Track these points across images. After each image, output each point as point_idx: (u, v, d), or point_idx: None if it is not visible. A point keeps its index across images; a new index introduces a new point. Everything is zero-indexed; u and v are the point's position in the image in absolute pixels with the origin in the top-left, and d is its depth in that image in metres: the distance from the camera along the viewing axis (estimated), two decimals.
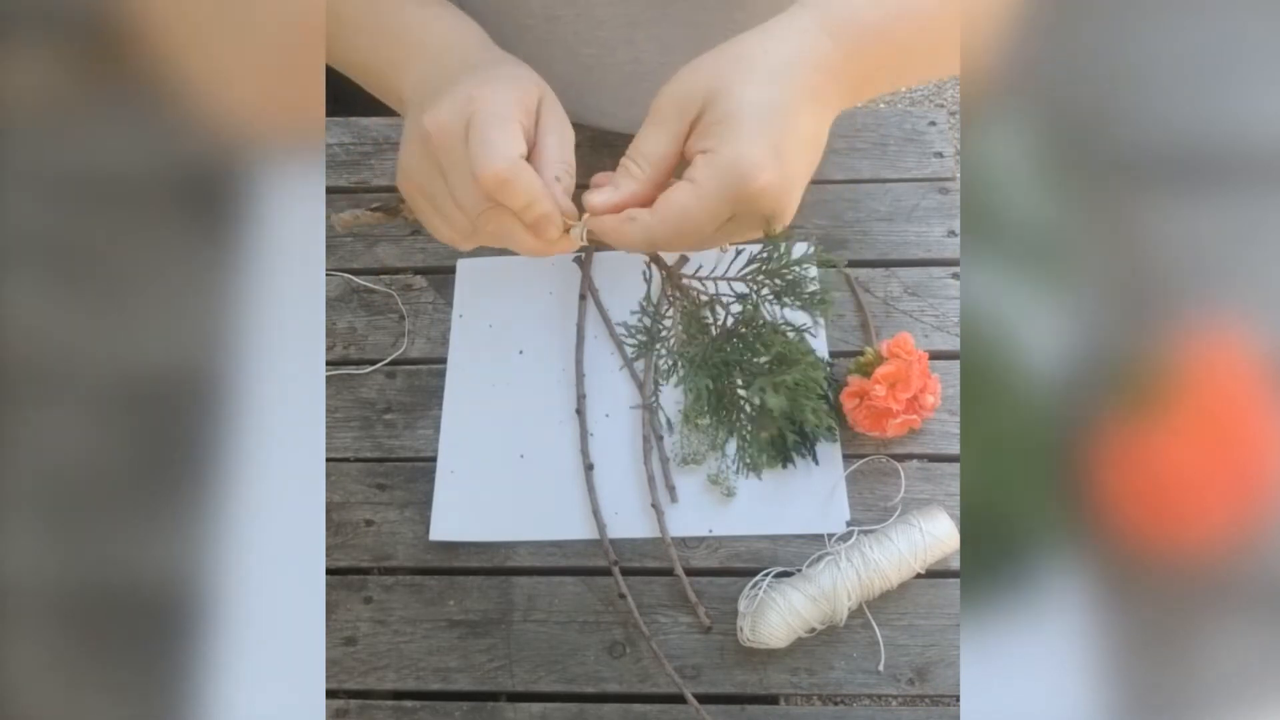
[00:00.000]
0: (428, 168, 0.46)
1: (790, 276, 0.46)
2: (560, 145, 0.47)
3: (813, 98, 0.47)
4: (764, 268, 0.47)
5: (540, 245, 0.46)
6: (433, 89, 0.48)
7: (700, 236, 0.45)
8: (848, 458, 0.62)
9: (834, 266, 0.59)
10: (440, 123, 0.45)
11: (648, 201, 0.45)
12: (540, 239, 0.46)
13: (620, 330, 0.47)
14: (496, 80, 0.46)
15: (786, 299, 0.47)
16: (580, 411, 0.64)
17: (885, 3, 0.49)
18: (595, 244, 0.47)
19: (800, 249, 0.70)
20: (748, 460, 0.49)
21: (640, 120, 0.47)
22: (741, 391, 0.48)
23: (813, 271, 0.48)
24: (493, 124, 0.44)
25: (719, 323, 0.48)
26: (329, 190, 0.76)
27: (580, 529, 0.60)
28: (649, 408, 0.64)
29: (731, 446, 0.62)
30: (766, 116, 0.44)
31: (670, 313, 0.48)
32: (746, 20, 0.68)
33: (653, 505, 0.60)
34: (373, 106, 0.92)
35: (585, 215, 0.46)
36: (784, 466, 0.61)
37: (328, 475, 0.64)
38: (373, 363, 0.68)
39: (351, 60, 0.58)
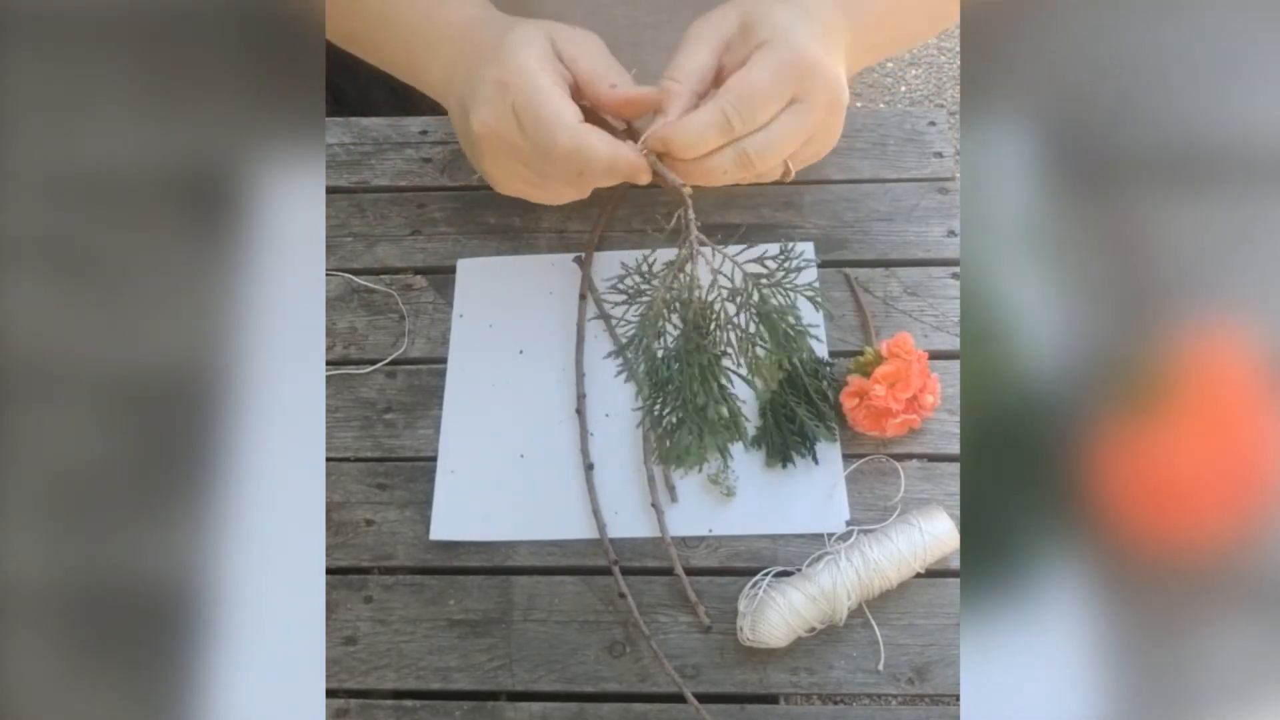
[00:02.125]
0: (507, 164, 0.49)
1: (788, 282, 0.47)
2: (594, 60, 0.48)
3: (836, 38, 0.49)
4: (780, 266, 0.47)
5: (600, 164, 0.48)
6: (460, 90, 0.49)
7: (769, 114, 0.46)
8: (847, 457, 0.62)
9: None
10: (489, 125, 0.47)
11: None
12: (638, 180, 0.48)
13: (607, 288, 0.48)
14: (510, 53, 0.47)
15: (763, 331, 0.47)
16: (580, 411, 0.64)
17: None
18: (661, 181, 0.49)
19: (805, 248, 0.70)
20: (670, 452, 0.49)
21: (644, 124, 0.48)
22: (728, 371, 0.48)
23: (811, 275, 0.48)
24: (537, 102, 0.45)
25: (713, 308, 0.49)
26: (329, 190, 0.76)
27: (580, 529, 0.61)
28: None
29: (732, 447, 0.63)
30: (806, 21, 0.47)
31: (664, 276, 0.49)
32: None
33: (653, 505, 0.60)
34: (373, 106, 0.92)
35: (645, 151, 0.48)
36: (784, 466, 0.61)
37: (328, 475, 0.64)
38: (373, 363, 0.68)
39: (381, 56, 0.59)
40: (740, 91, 0.45)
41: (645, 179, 0.48)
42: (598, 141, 0.45)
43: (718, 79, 0.49)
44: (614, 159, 0.46)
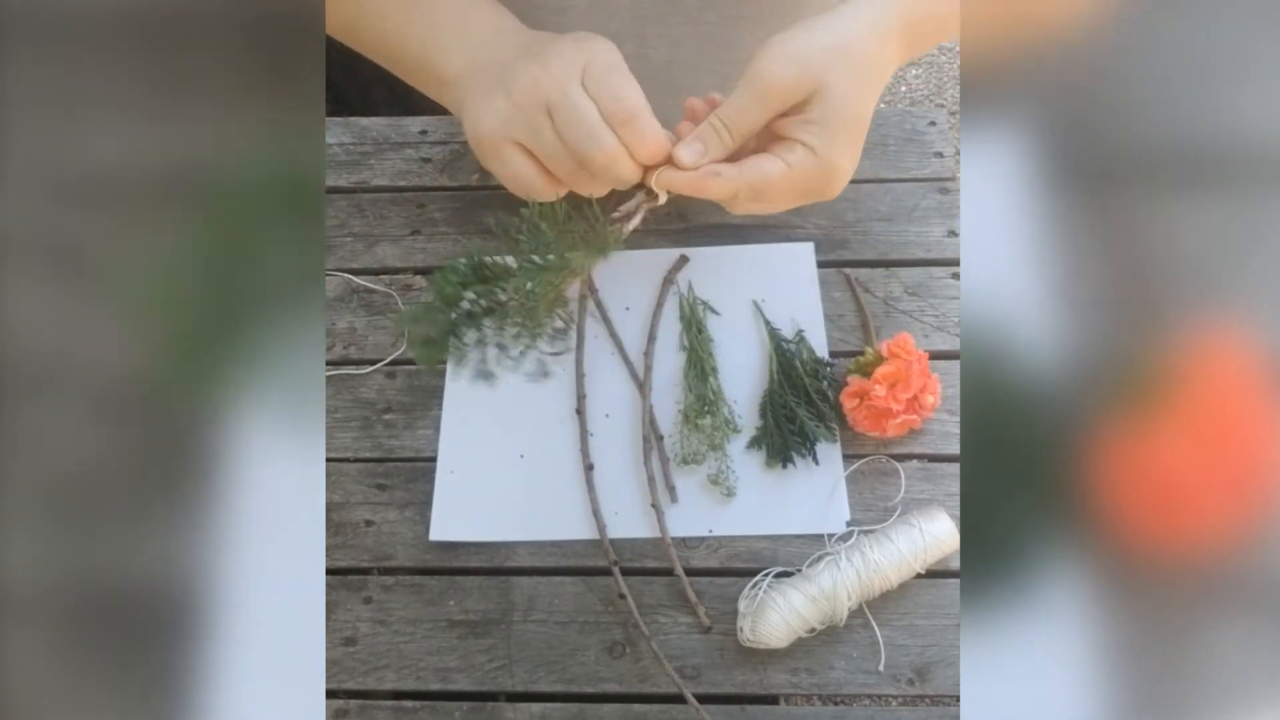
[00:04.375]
0: (530, 112, 0.49)
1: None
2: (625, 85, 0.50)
3: (879, 93, 0.54)
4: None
5: (636, 176, 0.51)
6: (505, 59, 0.51)
7: (771, 206, 0.53)
8: (848, 458, 0.62)
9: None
10: (549, 64, 0.48)
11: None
12: (644, 168, 0.51)
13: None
14: (584, 36, 0.50)
15: None
16: (580, 411, 0.64)
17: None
18: (661, 189, 0.52)
19: (805, 247, 0.70)
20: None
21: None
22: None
23: None
24: (615, 70, 0.48)
25: None
26: (329, 190, 0.76)
27: (580, 529, 0.60)
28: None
29: (732, 446, 0.63)
30: (857, 126, 0.51)
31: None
32: (755, 15, 0.68)
33: (653, 505, 0.60)
34: (373, 106, 0.92)
35: (661, 168, 0.51)
36: (784, 467, 0.61)
37: (328, 475, 0.63)
38: (373, 363, 0.68)
39: (386, 44, 0.59)
40: (758, 185, 0.50)
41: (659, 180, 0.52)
42: (653, 120, 0.49)
43: (770, 128, 0.52)
44: (660, 149, 0.50)
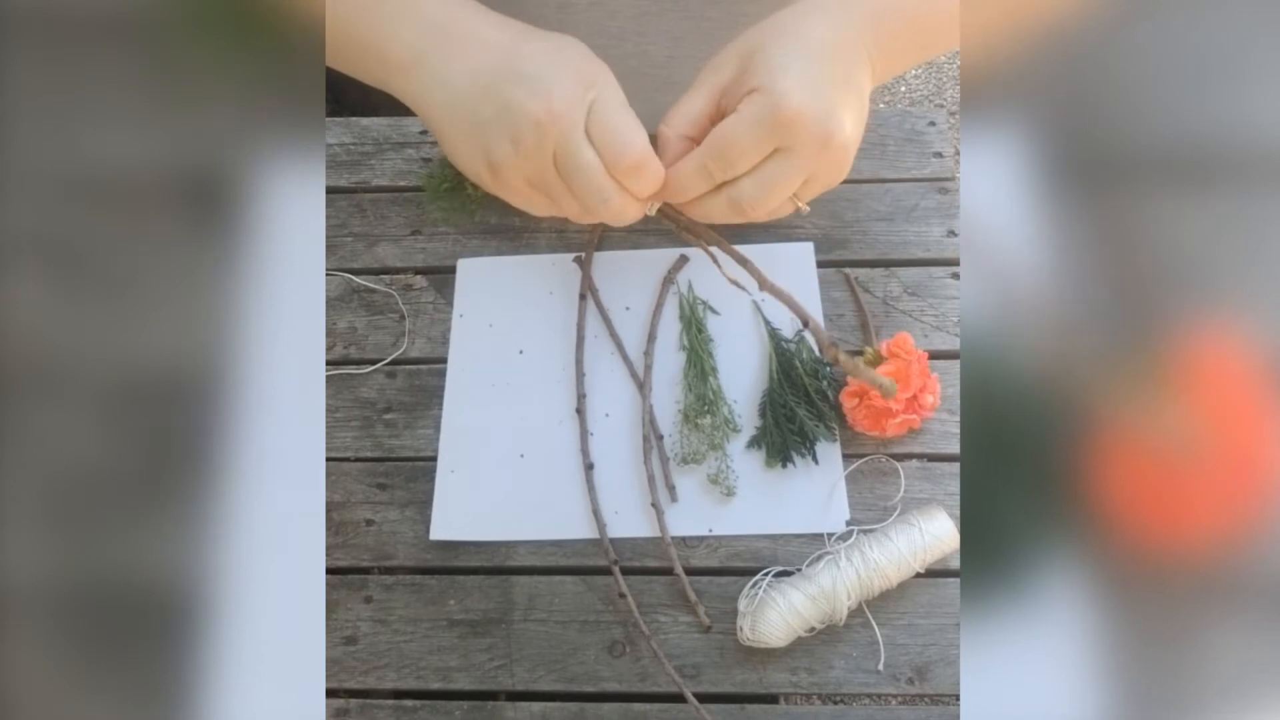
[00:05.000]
0: (538, 162, 0.47)
1: None
2: (610, 117, 0.48)
3: (848, 62, 0.49)
4: None
5: (636, 215, 0.50)
6: (484, 63, 0.48)
7: (763, 183, 0.47)
8: (847, 457, 0.62)
9: None
10: (555, 111, 0.45)
11: None
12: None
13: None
14: (547, 92, 0.46)
15: None
16: (580, 411, 0.64)
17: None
18: (669, 218, 0.52)
19: (805, 247, 0.70)
20: None
21: (646, 116, 0.48)
22: None
23: None
24: (619, 111, 0.46)
25: None
26: (329, 190, 0.76)
27: (580, 528, 0.61)
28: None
29: (732, 445, 0.63)
30: (809, 65, 0.46)
31: None
32: (756, 12, 0.68)
33: (653, 505, 0.60)
34: (373, 106, 0.92)
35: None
36: (784, 466, 0.61)
37: (328, 475, 0.63)
38: (373, 363, 0.68)
39: (362, 61, 0.55)
40: (715, 142, 0.47)
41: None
42: (659, 166, 0.47)
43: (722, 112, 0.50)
44: (656, 185, 0.48)
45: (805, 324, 0.52)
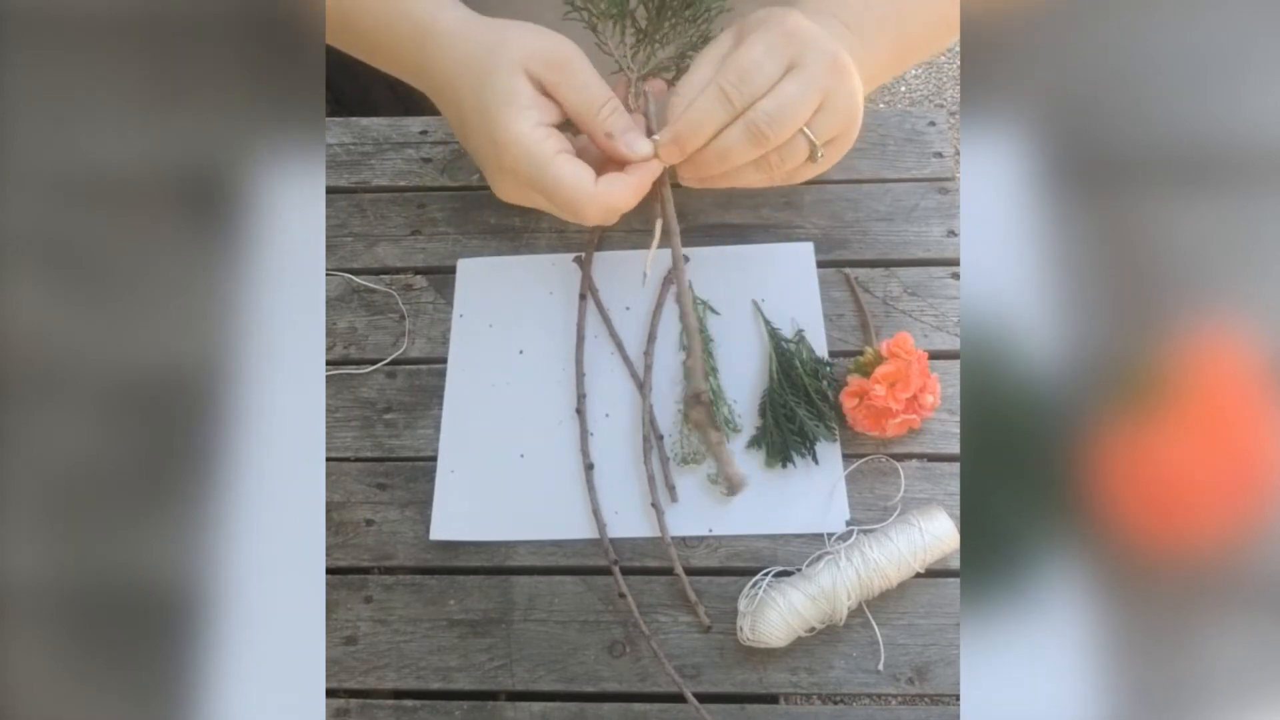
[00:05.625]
0: (519, 183, 0.49)
1: None
2: (580, 90, 0.49)
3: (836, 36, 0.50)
4: None
5: (628, 206, 0.50)
6: (475, 83, 0.49)
7: (766, 81, 0.46)
8: (847, 457, 0.62)
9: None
10: (521, 138, 0.47)
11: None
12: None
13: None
14: (495, 119, 0.47)
15: None
16: (580, 411, 0.64)
17: None
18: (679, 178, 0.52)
19: (805, 246, 0.70)
20: None
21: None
22: None
23: None
24: (547, 177, 0.47)
25: None
26: (329, 190, 0.76)
27: (580, 528, 0.61)
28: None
29: (732, 445, 0.63)
30: (799, 12, 0.48)
31: None
32: (750, 13, 0.68)
33: (653, 505, 0.60)
34: (373, 106, 0.92)
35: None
36: (784, 466, 0.61)
37: (328, 475, 0.64)
38: (373, 363, 0.68)
39: (376, 58, 0.58)
40: (733, 65, 0.46)
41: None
42: (620, 196, 0.48)
43: None
44: (638, 198, 0.49)
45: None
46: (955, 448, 0.62)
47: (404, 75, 0.56)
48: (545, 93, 0.49)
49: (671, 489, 0.61)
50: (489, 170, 0.50)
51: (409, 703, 0.56)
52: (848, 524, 0.59)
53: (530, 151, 0.47)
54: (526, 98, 0.47)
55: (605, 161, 0.50)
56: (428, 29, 0.52)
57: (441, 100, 0.52)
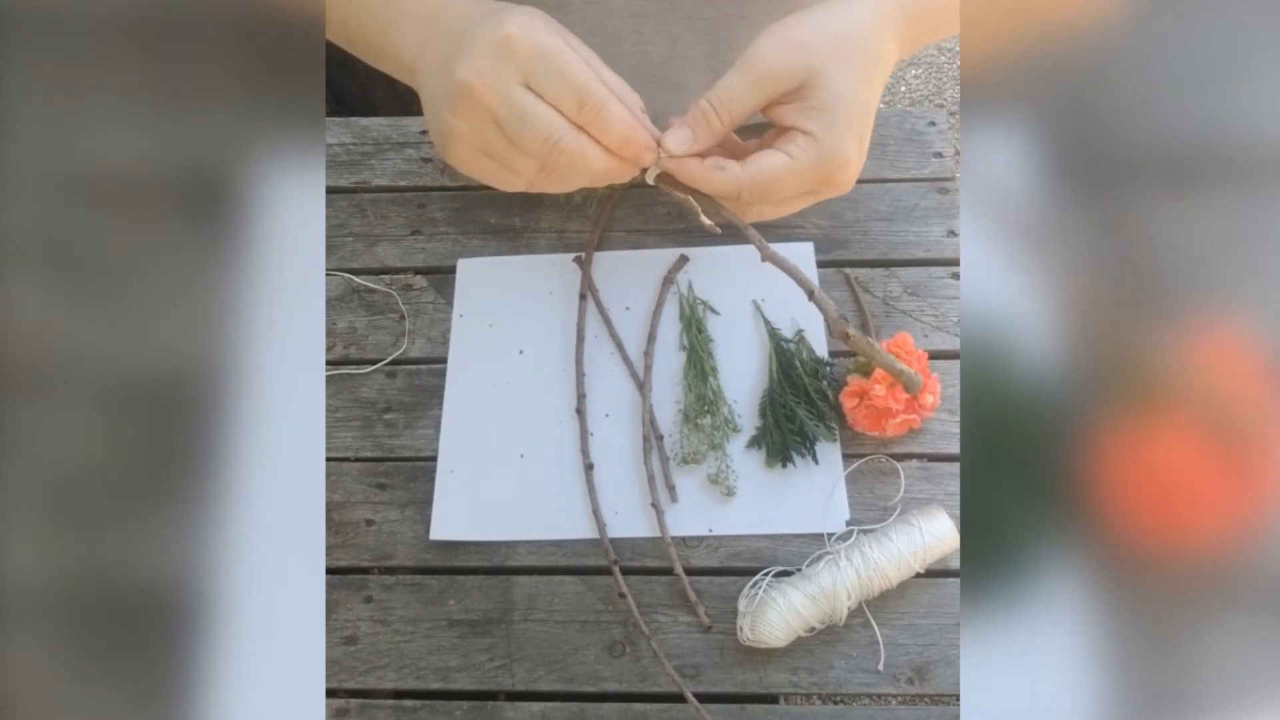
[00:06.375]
0: (478, 125, 0.45)
1: None
2: (599, 67, 0.48)
3: (882, 85, 0.50)
4: None
5: (618, 169, 0.48)
6: (446, 46, 0.47)
7: (778, 205, 0.50)
8: (847, 457, 0.62)
9: None
10: (481, 70, 0.44)
11: (714, 150, 0.49)
12: (627, 163, 0.48)
13: None
14: (515, 14, 0.45)
15: None
16: (580, 411, 0.64)
17: None
18: (665, 185, 0.50)
19: (805, 247, 0.70)
20: None
21: (648, 114, 0.48)
22: None
23: None
24: (560, 61, 0.44)
25: None
26: (329, 190, 0.76)
27: (580, 528, 0.61)
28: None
29: (732, 445, 0.63)
30: (859, 113, 0.48)
31: None
32: (752, 14, 0.68)
33: (653, 504, 0.60)
34: (373, 106, 0.92)
35: (659, 155, 0.48)
36: (784, 466, 0.61)
37: (328, 475, 0.64)
38: (373, 363, 0.68)
39: (350, 31, 0.56)
40: (762, 182, 0.48)
41: (646, 159, 0.48)
42: (620, 106, 0.45)
43: (767, 115, 0.50)
44: (628, 130, 0.46)
45: (810, 294, 0.51)
46: (955, 448, 0.62)
47: (397, 56, 0.54)
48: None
49: (671, 489, 0.61)
50: (479, 70, 0.45)
51: (409, 703, 0.56)
52: (848, 524, 0.59)
53: (548, 31, 0.45)
54: (550, 22, 0.46)
55: None
56: (440, 9, 0.51)
57: (428, 59, 0.49)
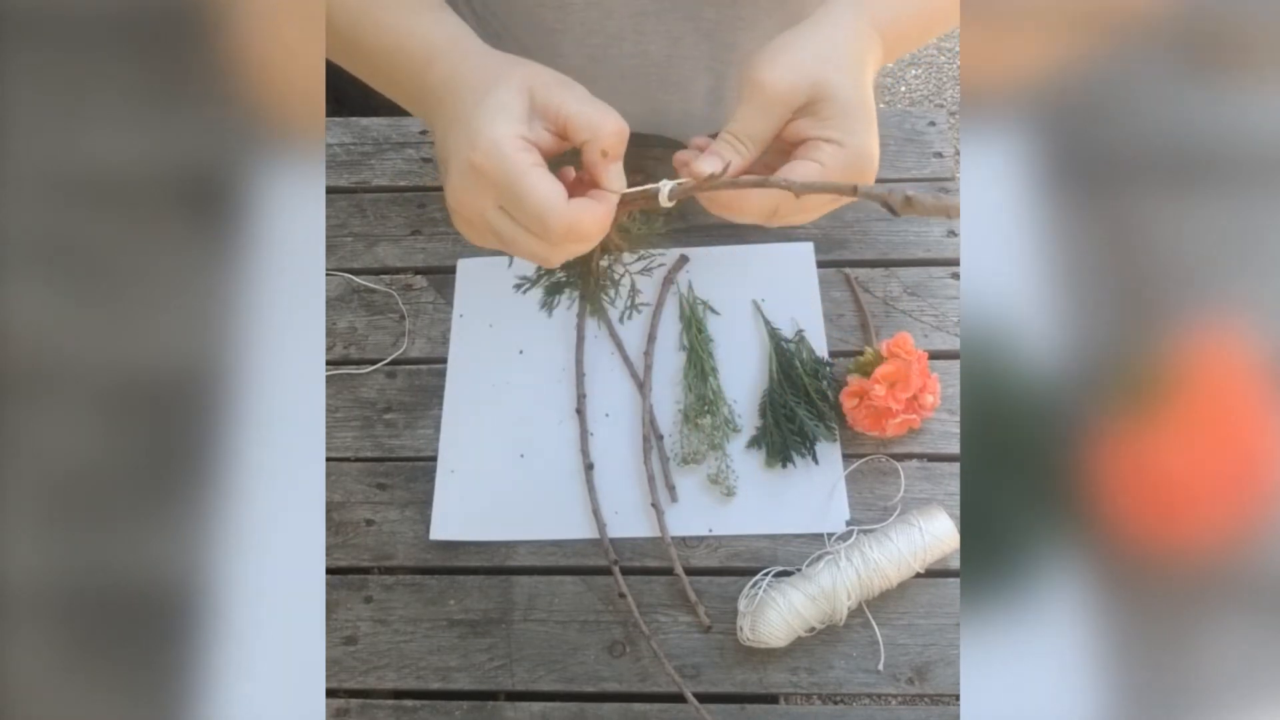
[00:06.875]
0: (479, 233, 0.48)
1: None
2: (581, 118, 0.48)
3: (871, 86, 0.52)
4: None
5: (588, 242, 0.49)
6: (439, 143, 0.49)
7: (810, 213, 0.51)
8: (847, 457, 0.62)
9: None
10: (460, 192, 0.46)
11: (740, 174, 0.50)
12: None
13: None
14: (481, 131, 0.46)
15: None
16: (580, 411, 0.64)
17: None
18: (682, 199, 0.50)
19: (805, 246, 0.70)
20: None
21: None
22: None
23: None
24: (520, 189, 0.45)
25: None
26: (329, 190, 0.76)
27: (580, 528, 0.61)
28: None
29: (732, 445, 0.63)
30: (868, 113, 0.50)
31: None
32: (750, 16, 0.68)
33: (653, 505, 0.60)
34: (373, 107, 0.92)
35: (672, 181, 0.49)
36: (784, 466, 0.61)
37: (328, 475, 0.64)
38: (373, 363, 0.68)
39: (362, 69, 0.58)
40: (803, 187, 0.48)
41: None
42: (588, 220, 0.47)
43: (785, 136, 0.51)
44: (602, 232, 0.48)
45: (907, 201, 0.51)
46: (955, 448, 0.62)
47: (402, 95, 0.56)
48: (545, 118, 0.49)
49: (671, 489, 0.61)
50: (458, 193, 0.48)
51: (409, 703, 0.56)
52: (848, 524, 0.59)
53: (508, 156, 0.46)
54: (521, 111, 0.47)
55: (576, 191, 0.50)
56: (439, 48, 0.52)
57: (434, 118, 0.52)
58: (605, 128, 0.48)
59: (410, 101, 0.55)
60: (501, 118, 0.47)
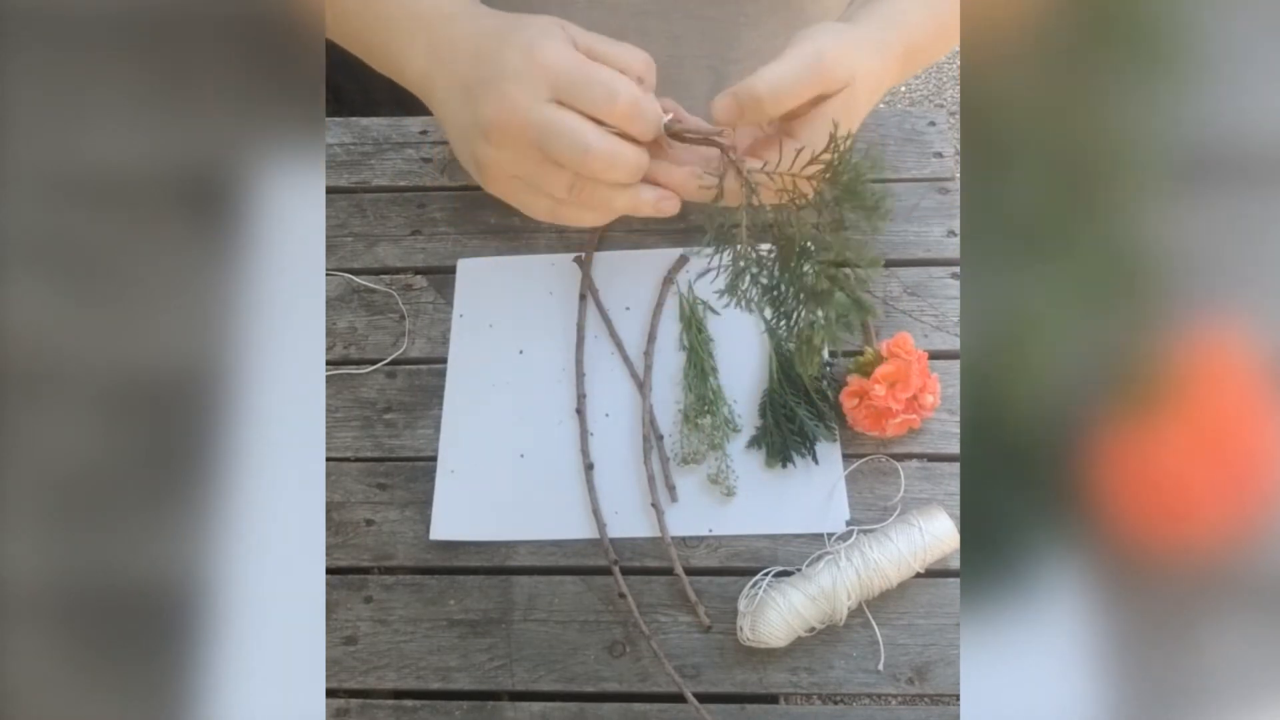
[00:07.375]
0: (513, 151, 0.47)
1: (846, 179, 0.47)
2: (613, 51, 0.48)
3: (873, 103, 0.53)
4: (832, 168, 0.47)
5: (640, 200, 0.50)
6: (464, 69, 0.48)
7: (790, 99, 0.47)
8: (847, 457, 0.62)
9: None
10: (513, 97, 0.45)
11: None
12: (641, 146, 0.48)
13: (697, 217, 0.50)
14: (533, 28, 0.47)
15: (846, 205, 0.47)
16: (580, 411, 0.64)
17: (936, 22, 0.56)
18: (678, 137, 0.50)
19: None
20: (830, 329, 0.48)
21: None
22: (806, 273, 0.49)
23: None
24: (582, 66, 0.45)
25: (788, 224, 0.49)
26: (329, 190, 0.76)
27: (580, 528, 0.61)
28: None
29: (732, 445, 0.63)
30: (860, 114, 0.51)
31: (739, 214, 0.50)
32: (755, 14, 0.68)
33: (653, 504, 0.60)
34: (373, 107, 0.92)
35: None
36: (784, 466, 0.61)
37: (328, 475, 0.64)
38: (373, 363, 0.68)
39: (349, 32, 0.57)
40: (754, 84, 0.47)
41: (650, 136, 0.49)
42: (631, 151, 0.46)
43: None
44: (639, 169, 0.47)
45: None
46: (955, 448, 0.62)
47: (403, 67, 0.55)
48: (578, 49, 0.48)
49: (671, 489, 0.61)
50: (509, 98, 0.46)
51: (409, 703, 0.56)
52: (848, 524, 0.59)
53: (573, 53, 0.45)
54: (564, 35, 0.47)
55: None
56: (446, 12, 0.52)
57: (457, 59, 0.50)
58: (635, 58, 0.48)
59: (416, 71, 0.53)
60: (555, 29, 0.47)
